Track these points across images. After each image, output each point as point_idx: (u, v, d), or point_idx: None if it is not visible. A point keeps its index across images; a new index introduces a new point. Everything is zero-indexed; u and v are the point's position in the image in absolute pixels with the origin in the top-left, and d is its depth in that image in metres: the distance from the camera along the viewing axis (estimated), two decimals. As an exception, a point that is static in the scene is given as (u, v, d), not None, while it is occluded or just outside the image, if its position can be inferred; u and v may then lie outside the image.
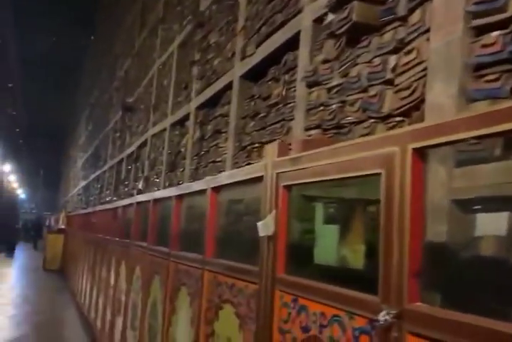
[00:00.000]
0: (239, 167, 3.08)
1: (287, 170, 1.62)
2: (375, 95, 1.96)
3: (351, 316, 1.23)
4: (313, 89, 2.49)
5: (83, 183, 16.46)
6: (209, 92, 4.26)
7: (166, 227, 3.34)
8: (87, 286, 7.08)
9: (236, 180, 2.08)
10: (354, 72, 2.16)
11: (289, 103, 2.79)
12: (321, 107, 2.39)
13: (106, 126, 11.68)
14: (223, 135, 3.94)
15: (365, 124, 1.99)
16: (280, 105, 2.91)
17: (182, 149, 4.92)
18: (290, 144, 1.75)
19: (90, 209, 8.32)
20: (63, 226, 15.84)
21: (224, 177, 2.22)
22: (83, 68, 23.31)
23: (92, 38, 18.66)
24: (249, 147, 3.30)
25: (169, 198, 3.15)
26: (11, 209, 27.20)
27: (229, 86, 3.80)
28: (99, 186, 11.92)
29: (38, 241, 22.52)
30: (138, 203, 4.16)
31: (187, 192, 2.81)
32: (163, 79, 6.37)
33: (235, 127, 3.58)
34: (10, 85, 17.93)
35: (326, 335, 1.32)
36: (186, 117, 4.95)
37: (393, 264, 1.10)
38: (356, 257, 1.24)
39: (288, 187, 1.64)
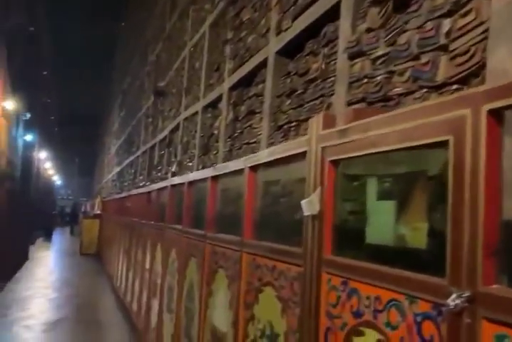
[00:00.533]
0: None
1: (334, 144, 1.49)
2: (427, 63, 1.80)
3: (413, 300, 1.11)
4: (356, 60, 2.34)
5: (117, 169, 16.65)
6: (242, 72, 4.14)
7: (201, 209, 3.26)
8: (123, 269, 7.15)
9: (276, 158, 1.96)
10: (402, 39, 1.99)
11: (329, 78, 2.64)
12: (365, 80, 2.24)
13: (138, 112, 11.71)
14: (257, 115, 3.81)
15: (416, 94, 1.84)
16: (319, 81, 2.77)
17: (215, 132, 4.82)
18: (335, 116, 1.61)
19: (124, 194, 8.37)
20: (98, 212, 16.13)
21: (263, 155, 2.10)
22: (115, 55, 23.47)
23: (123, 24, 18.68)
24: (285, 127, 3.17)
25: (204, 179, 3.06)
26: (48, 196, 27.89)
27: (263, 64, 3.66)
28: (133, 171, 12.00)
29: (75, 226, 23.05)
30: (173, 186, 4.10)
31: (223, 172, 2.71)
32: (195, 61, 6.26)
33: (270, 106, 3.45)
34: (44, 73, 18.22)
35: (382, 321, 1.20)
36: (219, 99, 4.84)
37: (465, 242, 0.97)
38: (417, 235, 1.12)
39: (335, 162, 1.52)
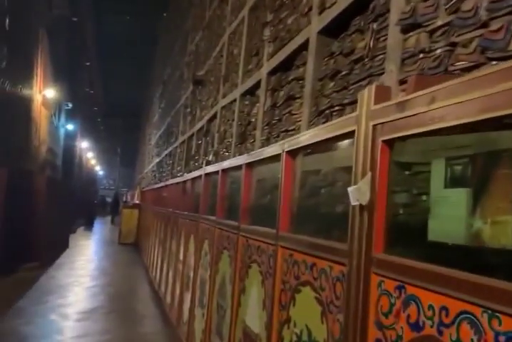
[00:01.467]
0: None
1: (389, 120, 1.25)
2: (499, 29, 1.52)
3: (493, 315, 0.86)
4: (410, 34, 2.07)
5: (156, 160, 16.74)
6: (282, 55, 3.90)
7: (235, 199, 3.07)
8: (158, 260, 7.07)
9: (319, 140, 1.73)
10: (467, 5, 1.71)
11: (378, 55, 2.38)
12: (421, 55, 1.97)
13: (177, 102, 11.65)
14: (297, 100, 3.57)
15: (485, 67, 1.56)
16: (366, 59, 2.50)
17: (253, 120, 4.61)
18: (389, 88, 1.37)
19: (161, 184, 8.30)
20: (137, 201, 16.27)
21: (304, 138, 1.87)
22: (156, 47, 23.58)
23: (164, 15, 18.69)
24: (327, 111, 2.92)
25: (238, 167, 2.86)
26: (90, 185, 28.49)
27: (304, 45, 3.42)
28: (171, 162, 11.98)
29: (116, 216, 23.44)
30: (207, 174, 3.93)
31: (259, 158, 2.50)
32: (233, 48, 6.06)
33: (312, 89, 3.21)
34: (87, 63, 18.46)
35: (449, 338, 0.97)
36: (257, 85, 4.62)
37: None
38: (498, 232, 0.87)
39: (389, 143, 1.28)
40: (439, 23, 1.87)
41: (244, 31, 5.41)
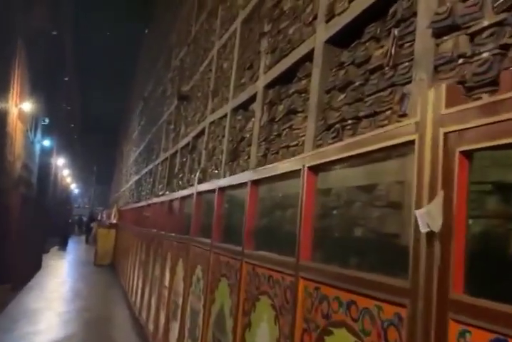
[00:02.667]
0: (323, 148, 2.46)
1: (471, 126, 1.00)
2: None
3: None
4: (445, 38, 1.85)
5: (135, 178, 16.30)
6: (281, 67, 3.67)
7: (236, 221, 2.78)
8: (138, 283, 6.67)
9: (351, 153, 1.48)
10: (523, 2, 1.50)
11: (403, 63, 2.16)
12: (461, 60, 1.75)
13: (160, 119, 11.35)
14: (299, 114, 3.34)
15: (555, 70, 1.34)
16: (387, 68, 2.28)
17: (247, 135, 4.35)
18: (460, 88, 1.13)
19: (143, 203, 7.93)
20: (114, 221, 15.76)
21: (331, 151, 1.61)
22: (137, 63, 23.33)
23: (146, 31, 18.51)
24: (337, 126, 2.68)
25: (241, 185, 2.59)
26: (65, 204, 27.71)
27: (308, 56, 3.20)
28: (151, 180, 11.60)
29: (90, 235, 22.72)
30: (199, 193, 3.63)
31: (268, 175, 2.23)
32: (223, 62, 5.84)
33: (317, 103, 2.97)
34: (66, 78, 18.07)
35: None
36: (251, 99, 4.38)
37: None
38: None
39: (469, 154, 1.03)
40: (485, 23, 1.65)
41: (236, 44, 5.20)
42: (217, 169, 5.37)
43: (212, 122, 5.93)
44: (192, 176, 6.78)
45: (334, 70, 2.92)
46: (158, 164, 10.72)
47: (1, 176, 8.15)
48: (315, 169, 1.74)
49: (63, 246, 19.35)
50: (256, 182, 2.37)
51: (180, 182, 7.71)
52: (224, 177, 4.82)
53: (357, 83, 2.58)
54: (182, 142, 7.97)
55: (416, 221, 1.11)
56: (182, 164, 7.84)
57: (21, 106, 8.42)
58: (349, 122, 2.57)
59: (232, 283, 2.50)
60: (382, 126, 2.21)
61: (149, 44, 18.16)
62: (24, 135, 9.80)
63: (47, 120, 12.85)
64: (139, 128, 18.05)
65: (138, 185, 15.17)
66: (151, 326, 5.10)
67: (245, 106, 4.66)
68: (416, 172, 1.13)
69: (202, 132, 6.48)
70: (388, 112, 2.22)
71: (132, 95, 24.14)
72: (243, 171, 4.02)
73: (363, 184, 1.71)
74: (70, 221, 25.71)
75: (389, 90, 2.24)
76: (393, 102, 2.17)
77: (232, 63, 5.31)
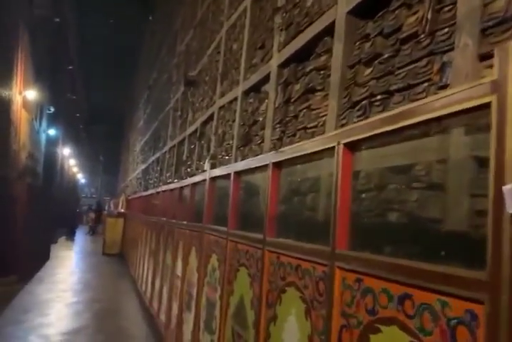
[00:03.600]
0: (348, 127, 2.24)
1: None
2: None
3: None
4: (498, -6, 1.64)
5: (142, 166, 16.16)
6: (297, 44, 3.45)
7: (255, 207, 2.59)
8: (148, 273, 6.53)
9: (404, 124, 1.27)
10: None
11: (441, 29, 1.94)
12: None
13: (166, 106, 11.16)
14: (318, 93, 3.12)
15: None
16: (423, 36, 2.06)
17: (260, 118, 4.15)
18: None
19: (151, 191, 7.77)
20: (122, 210, 15.66)
21: (378, 123, 1.41)
22: (142, 51, 23.05)
23: (150, 18, 18.20)
24: (364, 102, 2.48)
25: (260, 168, 2.40)
26: (72, 193, 27.67)
27: (328, 30, 2.98)
28: (159, 168, 11.44)
29: (98, 225, 22.69)
30: (212, 179, 3.45)
31: (293, 155, 2.03)
32: (232, 43, 5.61)
33: (340, 79, 2.76)
34: (70, 67, 17.84)
35: None
36: (264, 80, 4.17)
37: None
38: None
39: None
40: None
41: (247, 23, 4.96)
42: (227, 155, 5.18)
43: (221, 107, 5.72)
44: (202, 163, 6.60)
45: (357, 43, 2.70)
46: (165, 152, 10.55)
47: (6, 165, 8.01)
48: (352, 147, 1.54)
49: (70, 236, 19.31)
50: (278, 164, 2.17)
51: (189, 170, 7.54)
52: (236, 161, 4.64)
53: (386, 55, 2.36)
54: (190, 129, 7.77)
55: (496, 200, 0.91)
56: (191, 151, 7.65)
57: (25, 94, 8.24)
58: (378, 97, 2.36)
59: (252, 272, 2.32)
60: (418, 99, 2.01)
61: (153, 31, 17.87)
62: (29, 123, 9.63)
63: (52, 109, 12.67)
64: (145, 117, 17.86)
65: (145, 174, 15.02)
66: (163, 317, 4.96)
67: (257, 88, 4.45)
68: (494, 140, 0.93)
69: (210, 118, 6.28)
70: (425, 85, 2.01)
71: (137, 84, 23.90)
72: (256, 155, 3.82)
73: (413, 161, 1.51)
74: (78, 210, 25.67)
75: (426, 59, 2.03)
76: (432, 73, 1.96)
77: (242, 43, 5.09)
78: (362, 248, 1.46)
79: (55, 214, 14.83)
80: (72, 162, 25.47)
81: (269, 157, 2.24)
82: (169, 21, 12.48)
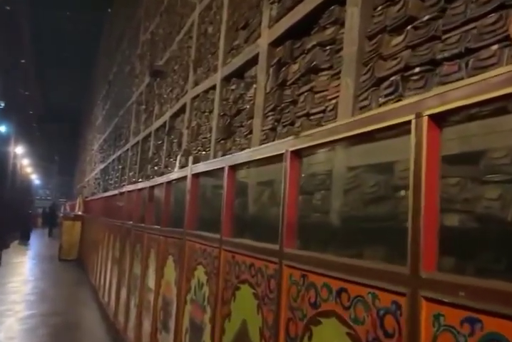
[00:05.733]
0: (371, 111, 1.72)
1: None
2: None
3: None
4: None
5: (100, 166, 15.32)
6: (294, 17, 2.95)
7: (265, 208, 2.07)
8: (112, 282, 5.88)
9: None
10: None
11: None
12: None
13: (128, 101, 10.45)
14: (324, 73, 2.63)
15: None
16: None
17: (246, 106, 3.62)
18: None
19: (114, 192, 7.09)
20: (79, 213, 14.77)
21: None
22: (100, 45, 22.05)
23: (109, 10, 17.32)
24: (395, 77, 1.99)
25: (270, 158, 1.88)
26: (25, 195, 26.28)
27: (336, -3, 2.49)
28: (120, 167, 10.72)
29: (54, 228, 21.55)
30: (195, 176, 2.89)
31: (318, 142, 1.53)
32: (207, 26, 5.07)
33: (357, 53, 2.27)
34: (22, 61, 16.74)
35: None
36: (250, 63, 3.65)
37: None
38: None
39: None
40: None
41: (225, 3, 4.42)
42: (204, 149, 4.63)
43: (195, 97, 5.16)
44: (172, 160, 6.01)
45: (379, 8, 2.22)
46: (128, 149, 9.86)
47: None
48: (439, 120, 1.04)
49: (24, 240, 18.18)
50: (297, 153, 1.65)
51: (156, 168, 6.93)
52: (216, 157, 4.10)
53: (425, 18, 1.89)
54: (157, 124, 7.16)
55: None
56: (158, 147, 7.04)
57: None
58: (417, 70, 1.88)
59: (261, 293, 1.81)
60: (485, 67, 1.54)
61: (113, 23, 17.01)
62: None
63: (2, 104, 11.73)
64: (103, 114, 16.99)
65: (105, 174, 14.22)
66: (131, 334, 4.35)
67: (240, 73, 3.92)
68: None
69: (182, 110, 5.70)
70: (495, 47, 1.54)
71: (96, 80, 22.86)
72: (243, 149, 3.28)
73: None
74: (30, 212, 24.32)
75: (495, 15, 1.56)
76: (509, 29, 1.48)
77: (219, 25, 4.55)
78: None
79: (6, 217, 13.81)
80: (25, 161, 24.15)
81: (282, 145, 1.72)
82: (130, 11, 11.76)
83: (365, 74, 2.21)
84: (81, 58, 24.30)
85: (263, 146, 2.02)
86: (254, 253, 1.89)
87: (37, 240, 20.09)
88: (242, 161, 2.12)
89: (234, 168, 2.26)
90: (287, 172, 1.68)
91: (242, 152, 2.30)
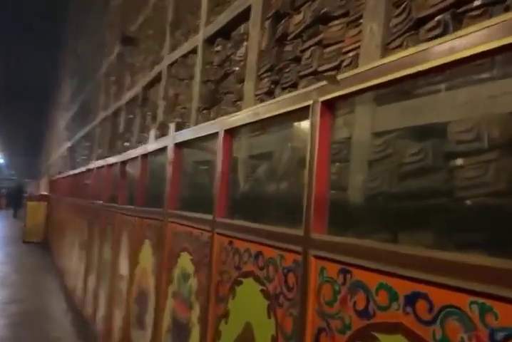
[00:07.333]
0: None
1: None
2: None
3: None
4: None
5: (68, 144, 14.57)
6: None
7: (272, 184, 1.63)
8: (80, 268, 5.39)
9: None
10: None
11: None
12: None
13: (96, 73, 9.77)
14: (336, 21, 2.18)
15: None
16: None
17: (236, 69, 3.15)
18: None
19: (81, 169, 6.53)
20: (45, 193, 14.09)
21: None
22: (67, 18, 20.91)
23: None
24: (442, 16, 1.56)
25: (291, 115, 1.44)
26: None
27: None
28: (88, 144, 10.09)
29: (19, 209, 20.67)
30: (179, 145, 2.42)
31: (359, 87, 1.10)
32: (186, -17, 4.52)
33: (386, -9, 1.82)
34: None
35: None
36: (239, 19, 3.17)
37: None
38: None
39: None
40: None
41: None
42: (184, 121, 4.14)
43: (172, 63, 4.63)
44: (145, 134, 5.50)
45: None
46: (96, 125, 9.23)
47: None
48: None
49: (-14, 221, 17.33)
50: (328, 105, 1.21)
51: (128, 143, 6.40)
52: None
53: None
54: (128, 96, 6.59)
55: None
56: (129, 121, 6.49)
57: None
58: (477, 3, 1.45)
59: (269, 289, 1.38)
60: None
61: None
62: None
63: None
64: (71, 89, 16.13)
65: (72, 152, 13.52)
66: (101, 326, 3.90)
67: (226, 32, 3.43)
68: None
69: (157, 79, 5.17)
70: None
71: (63, 55, 21.77)
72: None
73: None
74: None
75: None
76: None
77: (201, -20, 4.02)
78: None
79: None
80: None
81: (313, 94, 1.27)
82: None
83: (397, 16, 1.77)
84: (48, 33, 23.12)
85: (276, 99, 1.56)
86: (262, 238, 1.46)
87: (0, 222, 19.26)
88: (244, 122, 1.67)
89: (231, 133, 1.80)
90: (316, 131, 1.23)
91: (244, 110, 1.84)
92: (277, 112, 1.44)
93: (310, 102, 1.26)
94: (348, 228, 1.30)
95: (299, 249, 1.24)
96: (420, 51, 0.98)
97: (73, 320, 4.96)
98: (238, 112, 1.76)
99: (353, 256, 1.07)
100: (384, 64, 1.08)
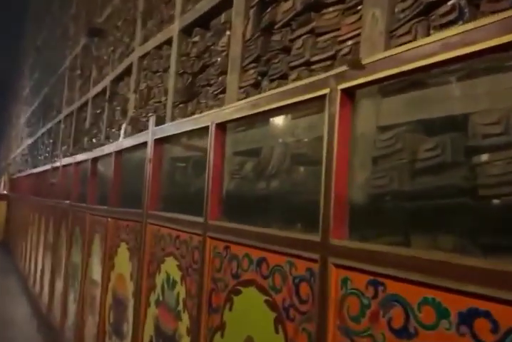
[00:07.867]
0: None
1: None
2: None
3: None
4: None
5: (28, 141, 14.00)
6: None
7: (276, 181, 1.48)
8: (45, 271, 5.11)
9: None
10: None
11: None
12: None
13: (59, 67, 9.37)
14: (331, 8, 2.05)
15: None
16: None
17: (217, 60, 2.97)
18: None
19: (45, 167, 6.22)
20: (5, 192, 13.54)
21: None
22: (28, 11, 20.13)
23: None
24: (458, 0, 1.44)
25: (288, 108, 1.29)
26: None
27: None
28: (51, 141, 9.68)
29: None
30: (159, 141, 2.25)
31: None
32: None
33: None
34: None
35: None
36: (221, 7, 2.99)
37: None
38: None
39: None
40: None
41: None
42: (164, 115, 3.94)
43: (144, 55, 4.40)
44: (114, 130, 5.25)
45: None
46: (60, 121, 8.85)
47: None
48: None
49: None
50: (352, 94, 1.07)
51: (95, 140, 6.12)
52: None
53: None
54: (95, 90, 6.30)
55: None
56: (96, 117, 6.21)
57: None
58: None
59: (272, 298, 1.23)
60: None
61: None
62: None
63: None
64: (31, 83, 15.51)
65: (33, 149, 12.98)
66: (70, 333, 3.67)
67: (205, 21, 3.24)
68: None
69: (126, 72, 4.92)
70: None
71: (23, 48, 20.95)
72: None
73: None
74: None
75: None
76: None
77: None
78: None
79: None
80: None
81: (330, 81, 1.12)
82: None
83: (404, 1, 1.65)
84: (4, 26, 22.17)
85: (281, 89, 1.40)
86: (266, 244, 1.31)
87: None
88: (241, 115, 1.51)
89: (223, 126, 1.64)
90: (335, 124, 1.09)
91: (241, 101, 1.68)
92: (283, 103, 1.29)
93: (327, 90, 1.12)
94: (372, 233, 1.16)
95: (315, 256, 1.10)
96: (470, 29, 0.85)
97: (39, 327, 4.69)
98: (232, 104, 1.60)
99: (385, 266, 0.93)
100: (420, 46, 0.95)
